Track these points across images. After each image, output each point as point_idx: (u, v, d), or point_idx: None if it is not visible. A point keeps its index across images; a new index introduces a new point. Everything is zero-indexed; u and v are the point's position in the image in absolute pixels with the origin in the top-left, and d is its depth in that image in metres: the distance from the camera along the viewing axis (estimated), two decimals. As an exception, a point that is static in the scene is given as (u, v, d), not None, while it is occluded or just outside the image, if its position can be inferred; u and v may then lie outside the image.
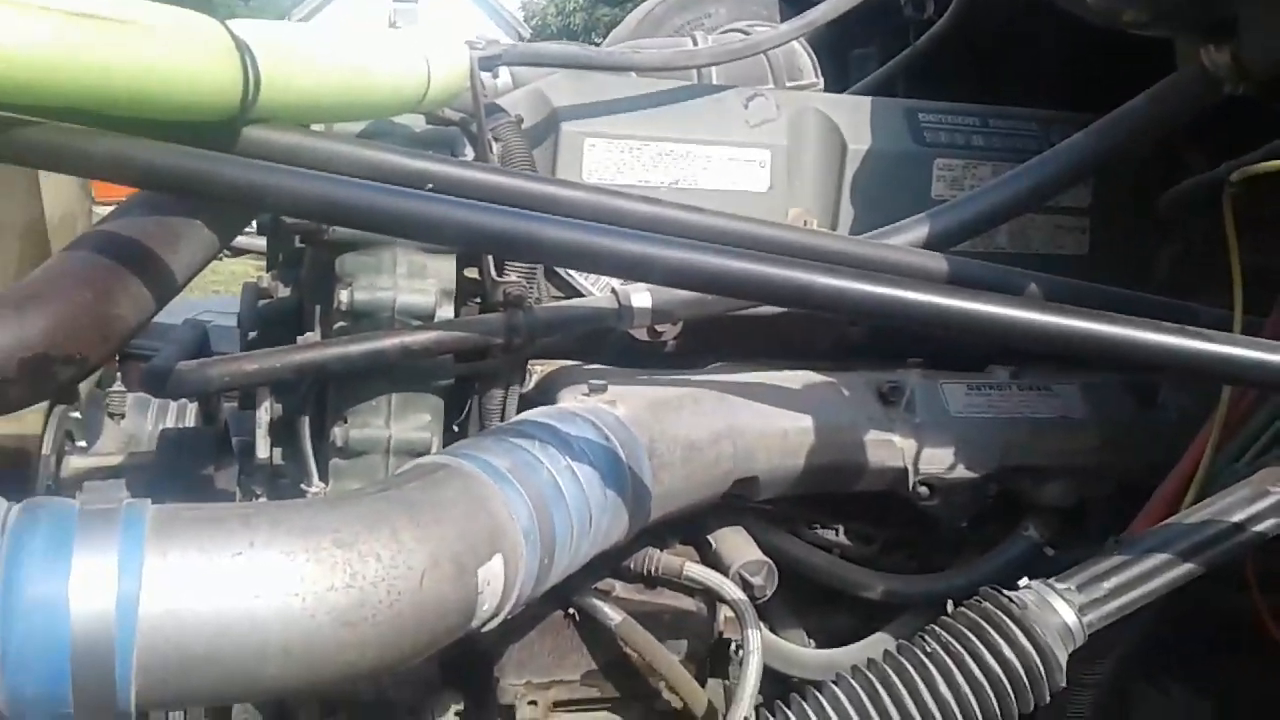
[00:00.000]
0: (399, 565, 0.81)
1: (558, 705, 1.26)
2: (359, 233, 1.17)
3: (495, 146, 1.25)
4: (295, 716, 1.25)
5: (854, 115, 1.47)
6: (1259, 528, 1.03)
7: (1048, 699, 0.98)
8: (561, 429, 1.06)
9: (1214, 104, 1.25)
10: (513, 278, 1.23)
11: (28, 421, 1.17)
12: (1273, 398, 1.21)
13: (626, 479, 1.08)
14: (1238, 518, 1.03)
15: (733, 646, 1.30)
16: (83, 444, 1.34)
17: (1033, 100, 1.58)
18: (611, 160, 1.35)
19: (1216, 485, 1.19)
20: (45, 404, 1.21)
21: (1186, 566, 1.02)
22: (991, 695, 0.97)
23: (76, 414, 1.33)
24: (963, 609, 1.02)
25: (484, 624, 0.92)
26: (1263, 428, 1.21)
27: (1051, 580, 1.03)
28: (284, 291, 1.39)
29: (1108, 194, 1.53)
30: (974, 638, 0.99)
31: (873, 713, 0.97)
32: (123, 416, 1.78)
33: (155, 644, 0.73)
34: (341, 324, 1.19)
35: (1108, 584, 1.01)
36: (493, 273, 1.23)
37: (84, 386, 1.44)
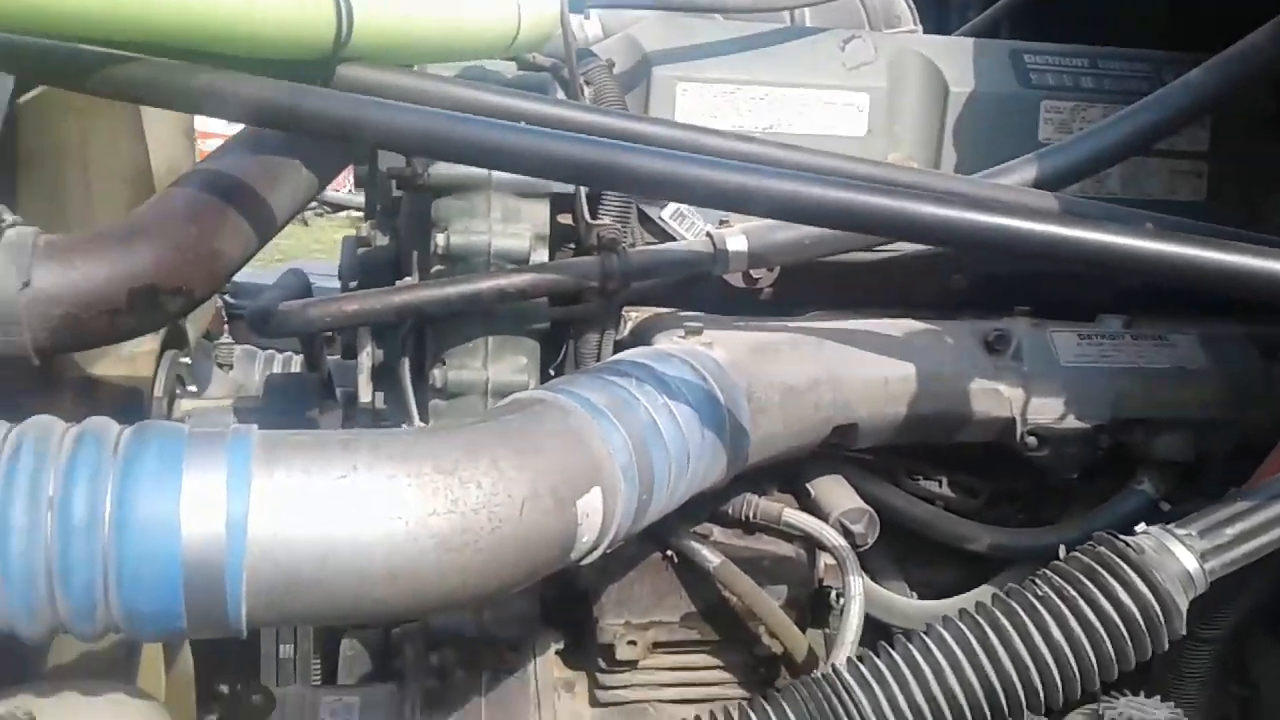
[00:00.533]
0: (499, 493, 0.81)
1: (657, 646, 1.26)
2: (454, 176, 1.17)
3: (587, 91, 1.24)
4: (401, 651, 1.27)
5: (956, 57, 1.42)
6: (1399, 473, 0.97)
7: (1166, 647, 0.95)
8: (658, 369, 1.04)
9: None
10: (607, 221, 1.22)
11: (140, 364, 1.20)
12: None
13: (724, 421, 1.07)
14: (1375, 461, 0.98)
15: (833, 595, 1.28)
16: (193, 388, 1.37)
17: (1141, 42, 1.51)
18: (705, 105, 1.33)
19: (1348, 435, 1.13)
20: (156, 348, 1.24)
21: (1319, 507, 0.97)
22: (1107, 641, 0.93)
23: (186, 359, 1.36)
24: (1076, 554, 0.98)
25: (583, 557, 0.91)
26: None
27: (1171, 526, 0.98)
28: (382, 240, 1.40)
29: (1228, 137, 1.46)
30: (1088, 582, 0.95)
31: (981, 655, 0.94)
32: (231, 367, 1.83)
33: (264, 565, 0.74)
34: (438, 268, 1.20)
35: (1231, 530, 0.97)
36: (587, 216, 1.22)
37: (193, 336, 1.47)
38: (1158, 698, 1.00)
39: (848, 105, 1.36)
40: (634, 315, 1.30)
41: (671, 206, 1.30)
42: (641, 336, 1.25)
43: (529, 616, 1.26)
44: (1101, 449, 1.33)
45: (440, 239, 1.17)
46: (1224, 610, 1.18)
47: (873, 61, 1.38)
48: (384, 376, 1.28)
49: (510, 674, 1.26)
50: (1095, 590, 0.94)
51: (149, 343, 1.23)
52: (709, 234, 1.24)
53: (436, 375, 1.20)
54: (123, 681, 0.89)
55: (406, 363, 1.23)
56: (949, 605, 1.33)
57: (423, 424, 1.20)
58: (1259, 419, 1.33)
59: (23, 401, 0.80)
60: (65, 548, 0.69)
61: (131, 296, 0.84)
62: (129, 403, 1.16)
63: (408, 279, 1.26)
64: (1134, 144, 1.29)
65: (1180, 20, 1.56)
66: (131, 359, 1.20)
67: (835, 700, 0.94)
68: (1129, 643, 0.93)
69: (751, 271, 1.29)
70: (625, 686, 1.29)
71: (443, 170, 1.17)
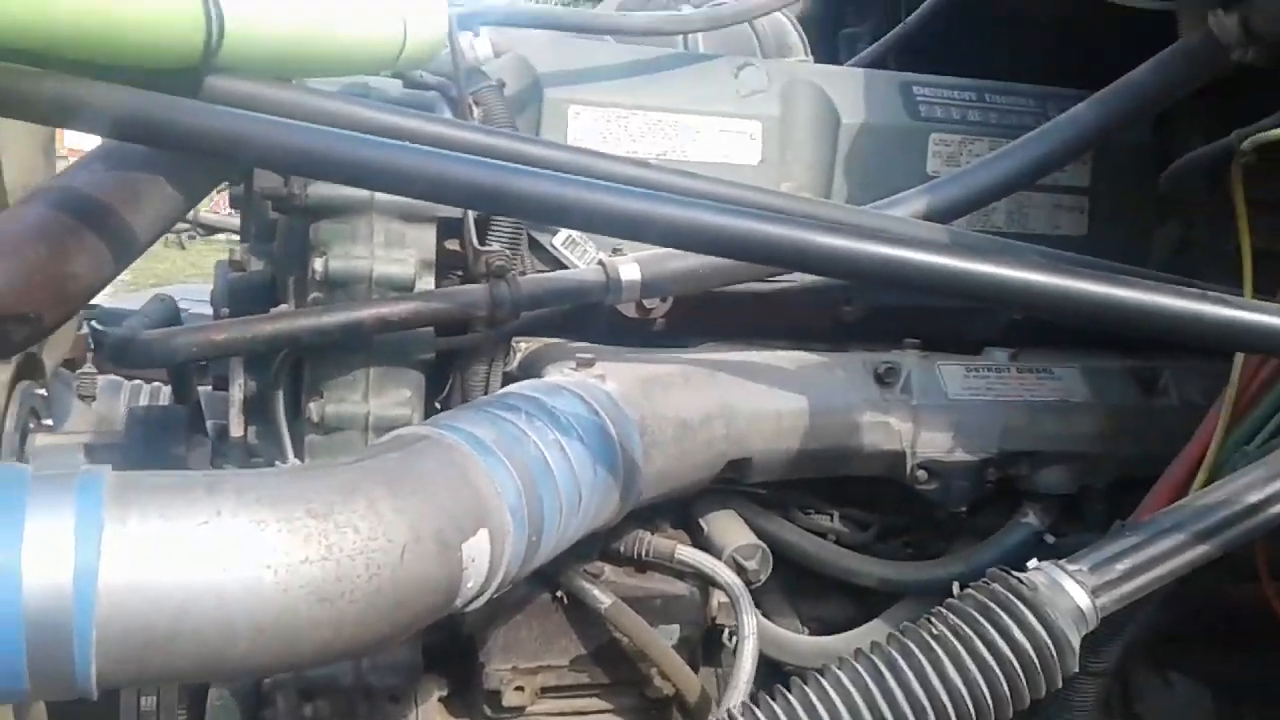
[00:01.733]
0: (378, 538, 0.76)
1: (545, 691, 1.22)
2: (335, 198, 1.11)
3: (475, 111, 1.20)
4: (272, 701, 1.19)
5: (847, 88, 1.42)
6: (1276, 509, 0.98)
7: (1059, 684, 0.94)
8: (549, 402, 1.00)
9: (1220, 74, 1.22)
10: (496, 247, 1.18)
11: (-13, 397, 1.11)
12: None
13: (617, 456, 1.03)
14: (1254, 498, 0.99)
15: (726, 633, 1.26)
16: (49, 422, 1.27)
17: (1025, 78, 1.53)
18: (597, 129, 1.30)
19: (1226, 468, 1.16)
20: (7, 379, 1.15)
21: (1202, 548, 0.97)
22: (1002, 680, 0.92)
23: (42, 391, 1.26)
24: (970, 591, 0.97)
25: (468, 603, 0.86)
26: (1273, 410, 1.18)
27: (1063, 562, 0.98)
28: (257, 265, 1.33)
29: (1107, 173, 1.49)
30: (983, 620, 0.94)
31: (877, 697, 0.92)
32: (94, 399, 1.71)
33: (116, 618, 0.67)
34: (316, 295, 1.14)
35: (1121, 565, 0.97)
36: (475, 242, 1.18)
37: (50, 365, 1.37)
38: (1046, 734, 1.00)
39: (741, 133, 1.35)
40: (524, 346, 1.26)
41: (563, 233, 1.27)
42: (531, 368, 1.21)
43: (410, 665, 1.19)
44: (989, 482, 1.34)
45: (319, 264, 1.11)
46: (1111, 644, 1.19)
47: (766, 90, 1.38)
48: (257, 410, 1.21)
49: (390, 725, 1.20)
50: (990, 629, 0.93)
51: (-2, 373, 1.14)
52: (602, 262, 1.21)
53: (313, 409, 1.14)
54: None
55: (281, 396, 1.17)
56: (841, 641, 1.32)
57: (298, 461, 1.14)
58: (1138, 451, 1.36)
59: None
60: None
61: (-31, 323, 0.77)
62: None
63: (283, 306, 1.20)
64: (1022, 177, 1.30)
65: (1061, 57, 1.59)
66: (-24, 392, 1.10)
67: (730, 748, 0.90)
68: (1024, 681, 0.92)
69: (644, 301, 1.27)
70: (511, 733, 1.24)
71: (322, 191, 1.11)
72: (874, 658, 0.95)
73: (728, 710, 0.95)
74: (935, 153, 1.44)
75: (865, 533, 1.41)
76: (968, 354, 1.40)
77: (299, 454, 1.16)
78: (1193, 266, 1.49)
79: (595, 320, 1.29)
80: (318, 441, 1.15)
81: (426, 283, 1.16)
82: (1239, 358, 1.21)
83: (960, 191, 1.28)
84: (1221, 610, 1.30)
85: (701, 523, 1.28)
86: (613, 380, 1.12)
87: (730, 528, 1.27)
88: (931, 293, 0.93)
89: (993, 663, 0.92)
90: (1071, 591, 0.95)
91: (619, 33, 1.39)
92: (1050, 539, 1.36)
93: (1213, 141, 1.35)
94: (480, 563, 0.84)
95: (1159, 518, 1.01)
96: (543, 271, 1.27)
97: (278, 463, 1.16)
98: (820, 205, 1.21)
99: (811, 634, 1.38)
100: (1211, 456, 1.18)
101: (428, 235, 1.16)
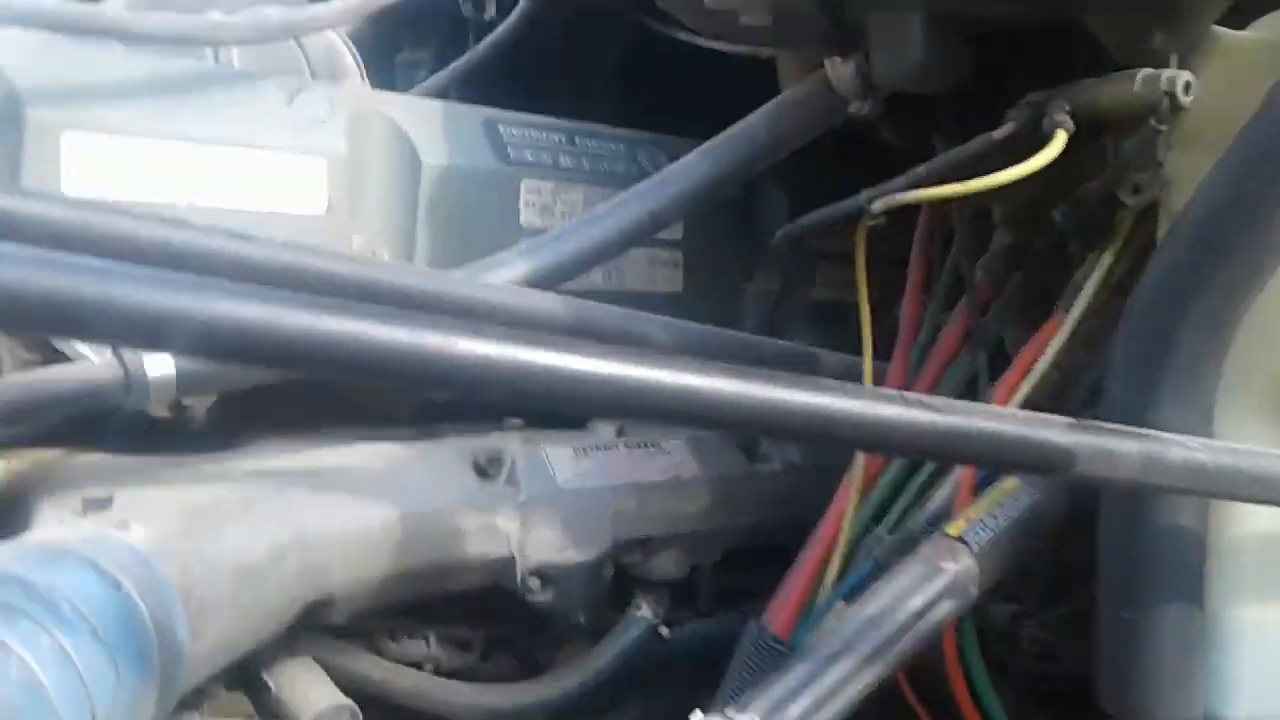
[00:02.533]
0: None
1: None
2: None
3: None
4: None
5: (426, 123, 1.21)
6: (941, 611, 0.90)
7: None
8: (42, 582, 0.67)
9: (834, 125, 1.17)
10: (-49, 336, 0.81)
11: None
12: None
13: (151, 645, 0.72)
14: (918, 603, 0.90)
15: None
16: None
17: (592, 118, 1.42)
18: (102, 165, 0.97)
19: (860, 553, 1.10)
20: None
21: (876, 668, 0.87)
22: None
23: None
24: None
25: None
26: (893, 491, 1.13)
27: (731, 712, 0.82)
28: None
29: (700, 227, 1.41)
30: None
31: None
32: None
33: None
34: None
35: (796, 708, 0.83)
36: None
37: None
38: None
39: (301, 174, 1.08)
40: (-2, 466, 0.89)
41: (55, 312, 0.91)
42: (11, 509, 0.85)
43: None
44: (606, 578, 1.18)
45: None
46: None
47: (328, 121, 1.12)
48: None
49: None
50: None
51: None
52: (117, 353, 0.88)
53: None
54: None
55: None
56: None
57: None
58: (745, 522, 1.28)
59: None
60: None
61: None
62: None
63: None
64: (638, 234, 1.18)
65: (633, 97, 1.54)
66: None
67: None
68: None
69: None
70: None
71: None
72: None
73: None
74: (528, 202, 1.26)
75: (469, 653, 1.18)
76: (572, 429, 1.23)
77: None
78: (783, 321, 1.47)
79: (106, 422, 0.96)
80: None
81: None
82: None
83: (570, 249, 1.12)
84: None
85: (268, 680, 0.99)
86: (140, 524, 0.80)
87: (307, 684, 0.98)
88: (548, 402, 0.70)
89: None
90: (744, 755, 0.80)
91: (130, 38, 1.04)
92: (665, 631, 1.23)
93: (794, 198, 1.35)
94: None
95: (827, 641, 0.88)
96: (31, 360, 0.91)
97: None
98: (427, 277, 0.97)
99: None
100: (845, 536, 1.12)
101: None
